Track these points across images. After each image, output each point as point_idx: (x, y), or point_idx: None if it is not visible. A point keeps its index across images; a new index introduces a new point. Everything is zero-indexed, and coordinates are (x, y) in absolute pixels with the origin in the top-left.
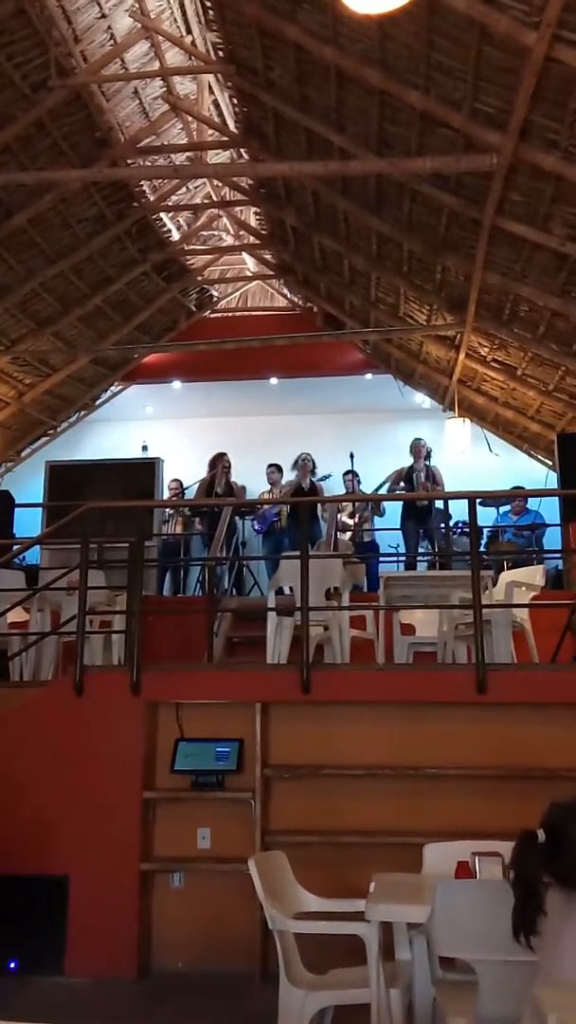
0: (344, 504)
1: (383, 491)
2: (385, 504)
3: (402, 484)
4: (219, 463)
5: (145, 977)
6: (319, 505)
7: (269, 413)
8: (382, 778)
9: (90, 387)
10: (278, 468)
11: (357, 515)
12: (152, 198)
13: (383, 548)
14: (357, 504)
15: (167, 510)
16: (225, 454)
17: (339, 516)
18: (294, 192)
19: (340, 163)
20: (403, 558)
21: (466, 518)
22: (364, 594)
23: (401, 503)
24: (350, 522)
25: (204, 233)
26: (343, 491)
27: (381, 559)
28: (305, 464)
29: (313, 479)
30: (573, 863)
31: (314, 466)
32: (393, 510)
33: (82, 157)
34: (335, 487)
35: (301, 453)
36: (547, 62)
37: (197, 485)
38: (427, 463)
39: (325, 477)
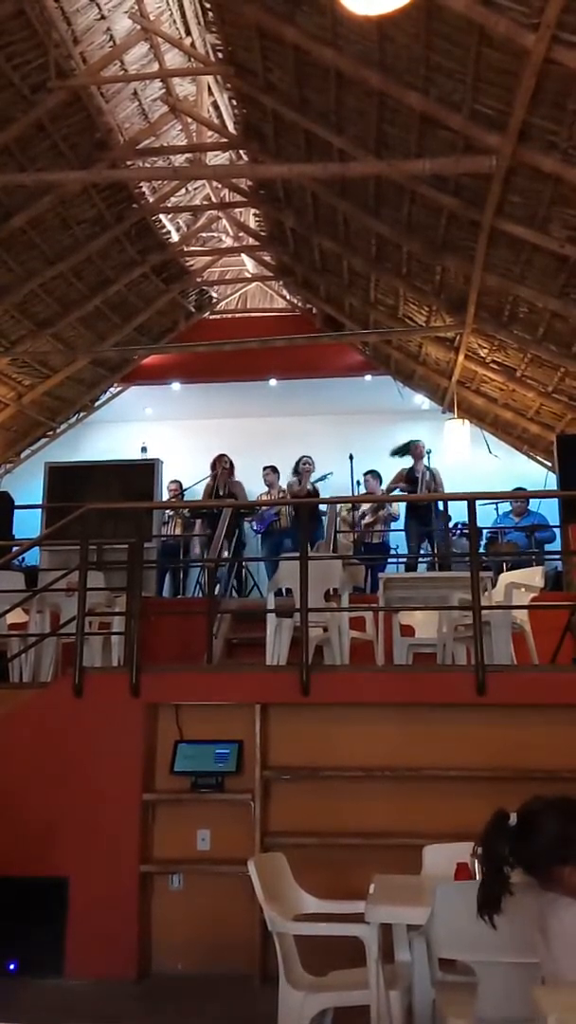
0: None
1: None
2: (395, 507)
3: (401, 485)
4: (218, 465)
5: (145, 979)
6: (319, 507)
7: (268, 414)
8: (381, 779)
9: (89, 388)
10: (274, 470)
11: (371, 516)
12: (151, 200)
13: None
14: (372, 504)
15: (166, 511)
16: (224, 455)
17: (347, 514)
18: (293, 194)
19: (339, 165)
20: (403, 559)
21: (466, 519)
22: (368, 595)
23: (402, 504)
24: (367, 519)
25: (203, 235)
26: (351, 492)
27: (390, 560)
28: (307, 468)
29: (312, 482)
30: (537, 852)
31: (312, 469)
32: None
33: (81, 158)
34: (339, 486)
35: (302, 456)
36: (546, 64)
37: (202, 489)
38: (426, 465)
39: (324, 477)
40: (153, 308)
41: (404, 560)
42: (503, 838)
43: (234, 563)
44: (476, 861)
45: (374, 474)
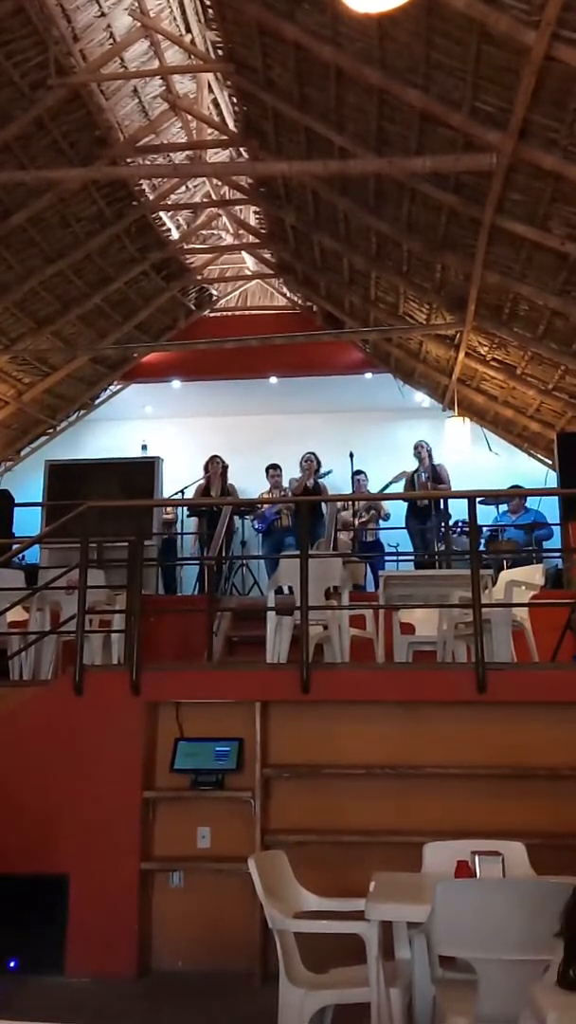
0: (347, 503)
1: (388, 491)
2: (389, 507)
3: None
4: (211, 466)
5: (145, 976)
6: (323, 504)
7: (269, 412)
8: (382, 777)
9: (89, 386)
10: (278, 468)
11: (359, 516)
12: (151, 197)
13: (384, 548)
14: (360, 504)
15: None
16: (218, 457)
17: (342, 514)
18: (293, 191)
19: (340, 162)
20: (403, 558)
21: (466, 517)
22: (367, 593)
23: (405, 503)
24: (355, 522)
25: (203, 232)
26: (349, 490)
27: (387, 558)
28: (310, 464)
29: (317, 478)
30: None
31: (319, 465)
32: (397, 511)
33: (81, 156)
34: (339, 484)
35: (306, 453)
36: (547, 61)
37: (195, 490)
38: (432, 463)
39: (325, 473)
40: (153, 306)
41: (402, 559)
42: None
43: (229, 562)
44: (562, 942)
45: (361, 474)
